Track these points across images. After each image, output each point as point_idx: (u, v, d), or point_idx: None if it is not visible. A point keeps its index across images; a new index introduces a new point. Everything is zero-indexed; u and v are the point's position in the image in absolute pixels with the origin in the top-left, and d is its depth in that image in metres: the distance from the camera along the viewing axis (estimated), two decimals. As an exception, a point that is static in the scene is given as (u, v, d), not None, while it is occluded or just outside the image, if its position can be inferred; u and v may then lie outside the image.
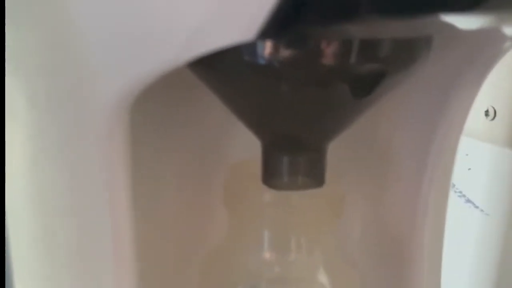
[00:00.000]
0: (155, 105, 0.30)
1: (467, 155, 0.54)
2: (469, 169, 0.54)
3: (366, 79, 0.26)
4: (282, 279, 0.31)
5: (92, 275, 0.26)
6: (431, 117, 0.32)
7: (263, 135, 0.29)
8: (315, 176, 0.30)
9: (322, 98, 0.27)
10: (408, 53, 0.27)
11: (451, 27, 0.24)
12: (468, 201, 0.54)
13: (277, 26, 0.20)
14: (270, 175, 0.30)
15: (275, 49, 0.25)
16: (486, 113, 0.51)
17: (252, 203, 0.31)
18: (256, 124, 0.29)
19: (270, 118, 0.28)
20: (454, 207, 0.55)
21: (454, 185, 0.55)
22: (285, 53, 0.25)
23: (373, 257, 0.36)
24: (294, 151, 0.29)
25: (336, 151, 0.32)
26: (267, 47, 0.25)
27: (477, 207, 0.54)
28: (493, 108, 0.51)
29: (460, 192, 0.55)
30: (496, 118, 0.51)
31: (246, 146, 0.30)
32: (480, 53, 0.29)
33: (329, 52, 0.25)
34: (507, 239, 0.52)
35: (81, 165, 0.24)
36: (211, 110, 0.32)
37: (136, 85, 0.22)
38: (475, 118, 0.52)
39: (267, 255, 0.31)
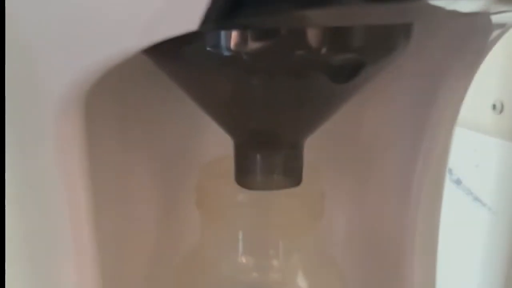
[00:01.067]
0: (121, 104, 0.28)
1: (475, 150, 0.51)
2: (477, 165, 0.51)
3: (339, 70, 0.25)
4: (259, 284, 0.30)
5: (52, 281, 0.25)
6: (420, 110, 0.31)
7: (234, 133, 0.28)
8: (291, 174, 0.29)
9: (293, 91, 0.25)
10: (385, 41, 0.25)
11: (429, 12, 0.22)
12: (476, 199, 0.52)
13: (221, 15, 0.18)
14: (244, 174, 0.28)
15: (240, 39, 0.23)
16: (494, 106, 0.49)
17: (226, 204, 0.29)
18: (227, 121, 0.27)
19: (239, 114, 0.27)
20: (461, 205, 0.53)
21: (461, 182, 0.53)
22: (250, 43, 0.23)
23: (359, 260, 0.34)
24: (267, 148, 0.28)
25: (317, 147, 0.30)
26: (230, 37, 0.23)
27: (484, 205, 0.51)
28: (501, 101, 0.48)
29: (468, 189, 0.53)
30: (504, 111, 0.48)
31: (219, 143, 0.29)
32: (468, 43, 0.28)
33: (298, 41, 0.23)
34: (516, 239, 0.50)
35: (35, 167, 0.23)
36: (181, 107, 0.30)
37: (84, 80, 0.21)
38: (482, 112, 0.50)
39: (243, 259, 0.30)
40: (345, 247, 0.34)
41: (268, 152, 0.28)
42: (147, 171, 0.31)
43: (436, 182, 0.32)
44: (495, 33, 0.26)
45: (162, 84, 0.26)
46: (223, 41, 0.23)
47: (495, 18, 0.25)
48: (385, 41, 0.25)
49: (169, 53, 0.24)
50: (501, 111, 0.48)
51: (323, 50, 0.24)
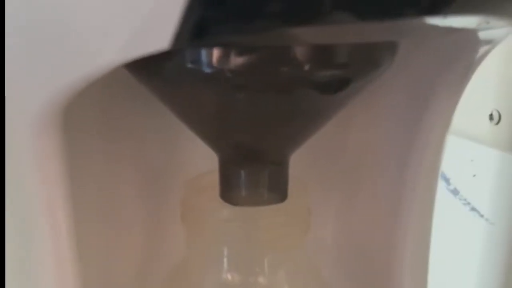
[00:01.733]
0: (104, 119, 0.28)
1: (472, 161, 0.51)
2: (474, 175, 0.51)
3: (323, 86, 0.24)
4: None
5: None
6: (409, 125, 0.30)
7: (218, 148, 0.27)
8: (276, 190, 0.28)
9: (276, 107, 0.25)
10: (370, 58, 0.25)
11: (416, 30, 0.22)
12: (473, 209, 0.51)
13: (189, 34, 0.18)
14: (228, 190, 0.28)
15: (220, 56, 0.23)
16: (491, 117, 0.48)
17: (211, 220, 0.29)
18: (210, 137, 0.27)
19: (222, 131, 0.26)
20: (459, 215, 0.53)
21: (458, 193, 0.53)
22: (231, 60, 0.23)
23: (347, 275, 0.34)
24: (252, 164, 0.28)
25: (304, 161, 0.30)
26: (210, 54, 0.23)
27: (482, 215, 0.51)
28: (498, 111, 0.48)
29: (465, 200, 0.52)
30: (501, 122, 0.48)
31: (205, 157, 0.28)
32: (456, 59, 0.27)
33: (280, 57, 0.23)
34: (513, 250, 0.49)
35: (16, 187, 0.23)
36: (165, 122, 0.30)
37: (58, 98, 0.21)
38: (479, 122, 0.49)
39: (228, 275, 0.29)
40: (334, 263, 0.34)
41: (253, 167, 0.28)
42: (131, 185, 0.31)
43: (427, 196, 0.32)
44: (483, 49, 0.26)
45: (145, 98, 0.26)
46: (203, 58, 0.23)
47: (482, 35, 0.25)
48: (370, 58, 0.25)
49: (149, 69, 0.24)
50: (498, 121, 0.48)
51: (306, 67, 0.23)
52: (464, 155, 0.51)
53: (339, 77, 0.24)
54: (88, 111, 0.27)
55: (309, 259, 0.30)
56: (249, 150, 0.27)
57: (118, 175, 0.30)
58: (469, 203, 0.52)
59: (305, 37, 0.21)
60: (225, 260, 0.29)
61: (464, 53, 0.27)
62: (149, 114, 0.30)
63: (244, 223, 0.28)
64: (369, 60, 0.25)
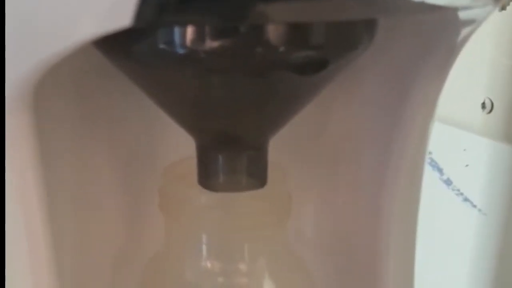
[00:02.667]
0: (77, 103, 0.28)
1: (464, 150, 0.50)
2: (467, 165, 0.50)
3: (299, 68, 0.24)
4: (226, 289, 0.29)
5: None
6: (391, 108, 0.30)
7: (195, 133, 0.27)
8: (255, 175, 0.28)
9: (253, 89, 0.24)
10: (347, 37, 0.24)
11: (393, 7, 0.21)
12: (466, 199, 0.51)
13: (151, 11, 0.17)
14: (206, 176, 0.28)
15: (195, 35, 0.22)
16: (483, 105, 0.48)
17: (189, 207, 0.28)
18: (186, 122, 0.26)
19: (198, 115, 0.26)
20: (451, 206, 0.52)
21: (451, 183, 0.52)
22: (204, 40, 0.23)
23: (329, 262, 0.33)
24: (230, 149, 0.27)
25: (285, 148, 0.29)
26: (184, 34, 0.22)
27: (474, 206, 0.50)
28: (490, 100, 0.47)
29: (458, 190, 0.52)
30: (494, 110, 0.47)
31: (181, 144, 0.28)
32: (437, 42, 0.27)
33: (255, 37, 0.23)
34: (505, 241, 0.48)
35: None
36: (142, 106, 0.29)
37: (24, 80, 0.20)
38: (471, 111, 0.48)
39: (208, 263, 0.29)
40: (315, 250, 0.33)
41: (231, 152, 0.27)
42: (107, 170, 0.30)
43: (412, 184, 0.31)
44: (465, 30, 0.25)
45: (122, 80, 0.26)
46: (175, 38, 0.22)
47: (463, 15, 0.24)
48: (347, 38, 0.24)
49: (121, 50, 0.23)
50: (491, 110, 0.47)
51: (281, 47, 0.23)
52: (456, 144, 0.51)
53: (316, 58, 0.24)
54: (61, 93, 0.26)
55: (290, 246, 0.30)
56: (227, 134, 0.27)
57: (93, 161, 0.29)
58: (462, 194, 0.51)
59: (277, 15, 0.21)
60: (204, 247, 0.29)
61: (446, 36, 0.26)
62: (126, 97, 0.29)
63: (223, 210, 0.28)
64: (346, 40, 0.24)
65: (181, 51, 0.23)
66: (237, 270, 0.29)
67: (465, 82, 0.49)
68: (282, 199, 0.29)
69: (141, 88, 0.25)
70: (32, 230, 0.23)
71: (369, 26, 0.24)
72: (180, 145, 0.28)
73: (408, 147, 0.30)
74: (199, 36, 0.22)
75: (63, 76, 0.24)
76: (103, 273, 0.31)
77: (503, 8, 0.46)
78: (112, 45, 0.23)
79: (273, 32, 0.23)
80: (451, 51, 0.27)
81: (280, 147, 0.29)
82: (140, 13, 0.17)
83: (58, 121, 0.26)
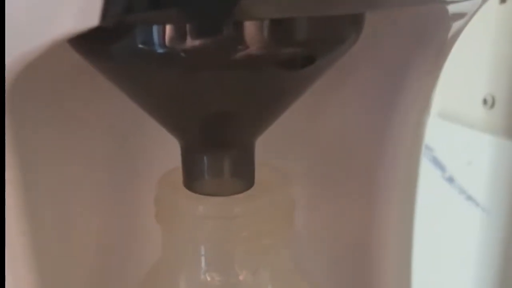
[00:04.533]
0: (58, 108, 0.27)
1: (467, 147, 0.49)
2: (470, 163, 0.49)
3: (283, 64, 0.23)
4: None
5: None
6: (384, 106, 0.29)
7: (178, 133, 0.26)
8: (242, 177, 0.27)
9: (236, 87, 0.24)
10: (332, 34, 0.23)
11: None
12: (469, 198, 0.50)
13: (117, 10, 0.17)
14: (192, 178, 0.27)
15: (169, 34, 0.22)
16: (484, 101, 0.47)
17: (187, 218, 0.27)
18: (169, 122, 0.26)
19: (181, 114, 0.25)
20: (455, 204, 0.51)
21: (454, 181, 0.51)
22: (183, 38, 0.22)
23: (332, 270, 0.32)
24: (215, 149, 0.26)
25: (274, 150, 0.29)
26: (162, 32, 0.22)
27: (478, 204, 0.49)
28: (492, 96, 0.46)
29: (461, 188, 0.50)
30: (495, 106, 0.46)
31: (170, 149, 0.27)
32: (428, 37, 0.26)
33: (237, 34, 0.22)
34: (509, 239, 0.47)
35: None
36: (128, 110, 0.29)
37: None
38: (473, 107, 0.47)
39: (207, 276, 0.28)
40: (308, 251, 0.33)
41: (216, 153, 0.27)
42: (90, 180, 0.30)
43: (407, 183, 0.31)
44: (456, 24, 0.25)
45: (104, 86, 0.25)
46: (154, 37, 0.22)
47: (452, 8, 0.24)
48: (333, 33, 0.23)
49: (100, 51, 0.23)
50: (492, 106, 0.46)
51: (265, 43, 0.22)
52: (459, 141, 0.50)
53: (301, 54, 0.23)
54: (37, 95, 0.26)
55: (292, 254, 0.29)
56: (211, 134, 0.26)
57: (75, 165, 0.29)
58: (465, 192, 0.50)
59: (254, 12, 0.20)
60: (203, 259, 0.28)
61: (436, 30, 0.25)
62: (109, 100, 0.29)
63: (222, 220, 0.27)
64: (332, 35, 0.23)
65: (159, 50, 0.22)
66: (238, 282, 0.28)
67: (466, 78, 0.48)
68: (285, 206, 0.27)
69: (121, 89, 0.24)
70: (12, 243, 0.22)
71: (355, 20, 0.24)
72: (168, 150, 0.27)
73: (402, 143, 0.29)
74: (177, 35, 0.22)
75: (40, 78, 0.23)
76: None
77: (503, 1, 0.45)
78: (89, 45, 0.23)
79: (256, 28, 0.22)
80: (442, 45, 0.26)
81: (271, 144, 0.28)
82: (107, 12, 0.17)
83: (35, 125, 0.26)
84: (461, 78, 0.48)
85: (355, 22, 0.24)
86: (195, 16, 0.20)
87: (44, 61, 0.20)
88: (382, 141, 0.29)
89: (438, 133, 0.51)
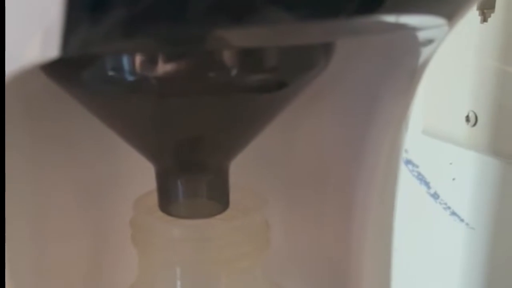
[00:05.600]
0: (35, 132, 0.27)
1: (451, 164, 0.50)
2: (454, 179, 0.50)
3: (253, 90, 0.23)
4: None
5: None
6: (358, 129, 0.29)
7: (152, 158, 0.26)
8: (217, 199, 0.27)
9: (208, 113, 0.24)
10: (301, 61, 0.24)
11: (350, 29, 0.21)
12: (453, 213, 0.50)
13: (76, 43, 0.17)
14: (167, 201, 0.27)
15: (139, 62, 0.22)
16: (467, 118, 0.47)
17: (162, 240, 0.27)
18: (143, 147, 0.26)
19: (154, 140, 0.25)
20: (439, 220, 0.51)
21: (439, 197, 0.51)
22: (153, 65, 0.22)
23: (300, 278, 0.32)
24: (189, 173, 0.26)
25: (249, 171, 0.29)
26: (132, 60, 0.22)
27: (462, 220, 0.49)
28: (474, 113, 0.46)
29: (445, 204, 0.51)
30: (478, 124, 0.46)
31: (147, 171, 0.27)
32: (398, 62, 0.26)
33: (206, 61, 0.22)
34: (493, 254, 0.48)
35: None
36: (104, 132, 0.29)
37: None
38: (456, 124, 0.48)
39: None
40: (288, 275, 0.33)
41: (190, 177, 0.27)
42: (72, 207, 0.30)
43: (385, 201, 0.31)
44: (425, 50, 0.25)
45: (77, 109, 0.25)
46: (124, 65, 0.22)
47: (421, 35, 0.24)
48: (303, 59, 0.24)
49: (70, 79, 0.23)
50: (475, 123, 0.46)
51: (234, 71, 0.22)
52: (443, 158, 0.50)
53: (271, 80, 0.23)
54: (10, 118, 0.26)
55: (268, 277, 0.29)
56: (185, 158, 0.26)
57: (50, 187, 0.29)
58: (449, 207, 0.51)
59: (225, 41, 0.20)
60: (178, 282, 0.28)
61: (407, 55, 0.26)
62: (85, 122, 0.29)
63: (198, 242, 0.27)
64: (302, 62, 0.24)
65: (129, 77, 0.22)
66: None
67: (449, 96, 0.48)
68: (260, 229, 0.28)
69: (93, 114, 0.25)
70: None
71: (325, 48, 0.24)
72: (146, 173, 0.27)
73: (379, 162, 0.29)
74: (147, 63, 0.22)
75: (13, 100, 0.24)
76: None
77: (484, 20, 0.45)
78: (59, 72, 0.23)
79: (226, 56, 0.22)
80: (414, 69, 0.26)
81: (246, 166, 0.28)
82: (66, 44, 0.17)
83: (10, 148, 0.26)
84: (444, 96, 0.48)
85: (325, 49, 0.24)
86: (165, 45, 0.20)
87: (17, 83, 0.20)
88: (358, 161, 0.29)
89: (422, 150, 0.51)
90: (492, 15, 0.43)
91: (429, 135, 0.50)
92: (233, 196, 0.27)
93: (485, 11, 0.43)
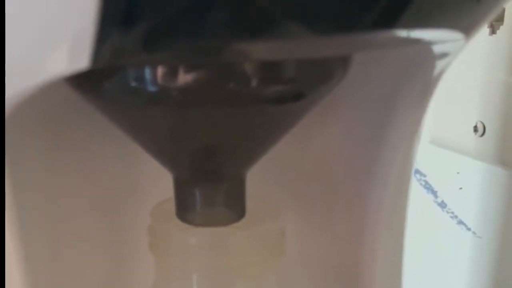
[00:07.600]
0: (53, 146, 0.27)
1: (458, 173, 0.50)
2: (461, 188, 0.50)
3: (271, 102, 0.24)
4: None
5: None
6: (371, 142, 0.29)
7: (171, 166, 0.27)
8: (233, 207, 0.28)
9: (227, 123, 0.24)
10: (319, 72, 0.24)
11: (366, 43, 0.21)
12: (460, 222, 0.50)
13: (107, 54, 0.17)
14: (184, 209, 0.27)
15: (165, 73, 0.22)
16: (475, 129, 0.47)
17: (179, 248, 0.28)
18: (162, 155, 0.26)
19: (174, 148, 0.26)
20: (447, 229, 0.52)
21: (446, 205, 0.52)
22: (176, 77, 0.23)
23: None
24: (206, 181, 0.27)
25: (262, 180, 0.29)
26: (154, 72, 0.22)
27: (469, 229, 0.50)
28: (482, 123, 0.47)
29: (452, 213, 0.51)
30: (486, 134, 0.47)
31: (164, 180, 0.28)
32: (414, 75, 0.26)
33: (225, 73, 0.23)
34: (500, 263, 0.48)
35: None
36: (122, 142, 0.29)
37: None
38: (464, 135, 0.48)
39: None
40: (302, 282, 0.33)
41: (208, 185, 0.27)
42: (87, 210, 0.30)
43: (396, 216, 0.31)
44: (440, 63, 0.25)
45: (97, 117, 0.26)
46: (146, 76, 0.22)
47: (437, 48, 0.24)
48: (319, 72, 0.24)
49: (94, 89, 0.24)
50: (483, 133, 0.47)
51: (252, 82, 0.23)
52: (450, 167, 0.50)
53: (289, 92, 0.24)
54: (32, 129, 0.26)
55: (281, 284, 0.29)
56: (203, 167, 0.27)
57: (69, 196, 0.29)
58: (456, 216, 0.51)
59: (245, 53, 0.21)
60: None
61: (422, 69, 0.26)
62: (104, 133, 0.29)
63: (214, 250, 0.28)
64: (320, 74, 0.24)
65: (151, 88, 0.23)
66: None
67: (457, 106, 0.48)
68: (275, 237, 0.28)
69: (115, 124, 0.25)
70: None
71: (342, 60, 0.24)
72: (163, 181, 0.27)
73: (391, 173, 0.30)
74: (169, 74, 0.22)
75: (35, 111, 0.24)
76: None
77: (493, 32, 0.46)
78: (84, 84, 0.23)
79: (245, 68, 0.23)
80: (428, 82, 0.27)
81: (262, 175, 0.29)
82: (96, 55, 0.17)
83: (30, 157, 0.26)
84: (452, 106, 0.49)
85: (342, 61, 0.24)
86: (187, 58, 0.20)
87: (40, 98, 0.20)
88: (371, 171, 0.30)
89: (430, 159, 0.52)
90: (501, 27, 0.44)
91: (437, 145, 0.51)
92: (249, 204, 0.28)
93: (493, 23, 0.44)
